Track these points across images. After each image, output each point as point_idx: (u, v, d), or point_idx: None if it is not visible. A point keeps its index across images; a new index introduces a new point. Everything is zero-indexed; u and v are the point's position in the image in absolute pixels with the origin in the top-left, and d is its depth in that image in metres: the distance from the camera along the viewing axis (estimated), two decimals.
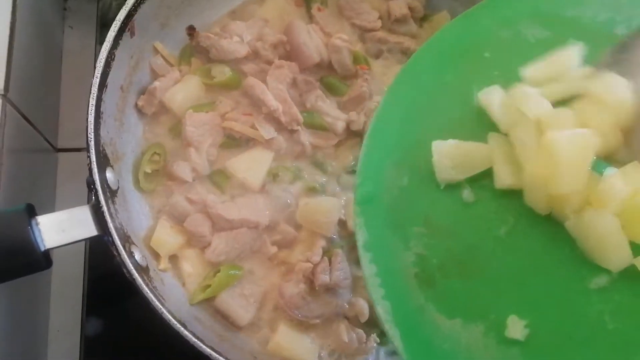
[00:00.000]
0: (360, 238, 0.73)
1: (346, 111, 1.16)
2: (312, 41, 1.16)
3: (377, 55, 1.23)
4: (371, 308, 1.04)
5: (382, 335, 1.06)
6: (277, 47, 1.17)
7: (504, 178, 0.69)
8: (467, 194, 0.72)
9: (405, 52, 1.24)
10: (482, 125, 0.73)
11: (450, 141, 0.72)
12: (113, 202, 0.92)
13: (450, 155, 0.71)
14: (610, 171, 0.65)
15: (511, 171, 0.69)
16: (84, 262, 1.16)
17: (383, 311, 0.69)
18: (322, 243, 1.03)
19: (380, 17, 1.24)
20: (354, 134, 1.15)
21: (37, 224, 0.83)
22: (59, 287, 1.26)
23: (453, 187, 0.72)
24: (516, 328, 0.65)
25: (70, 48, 1.47)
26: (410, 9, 1.25)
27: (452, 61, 0.81)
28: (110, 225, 0.85)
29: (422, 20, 1.28)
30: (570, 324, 0.65)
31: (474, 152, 0.71)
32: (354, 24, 1.24)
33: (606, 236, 0.63)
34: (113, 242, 0.86)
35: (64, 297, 1.26)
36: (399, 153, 0.76)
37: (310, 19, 1.24)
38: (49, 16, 1.39)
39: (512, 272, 0.68)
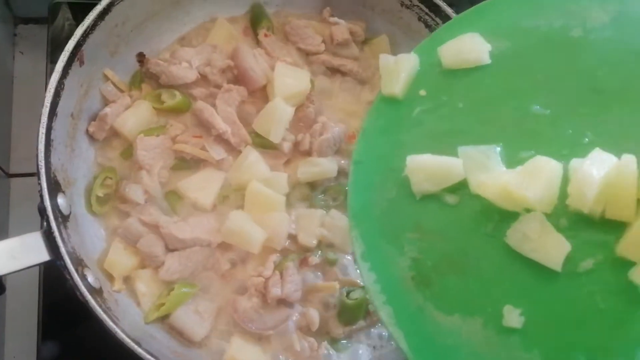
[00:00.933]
0: (357, 249, 0.77)
1: (294, 131, 1.20)
2: (258, 65, 1.20)
3: (323, 75, 1.28)
4: (321, 317, 1.09)
5: (333, 342, 1.11)
6: (225, 72, 1.21)
7: (476, 187, 0.74)
8: (449, 197, 0.76)
9: (348, 74, 1.30)
10: (455, 139, 0.78)
11: (424, 155, 0.76)
12: (65, 226, 0.93)
13: (423, 168, 0.76)
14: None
15: (482, 181, 0.73)
16: (39, 286, 1.15)
17: (386, 315, 0.72)
18: (273, 258, 1.06)
19: (323, 41, 1.30)
20: (300, 153, 1.20)
21: None
22: (13, 313, 1.26)
23: (434, 194, 0.76)
24: (512, 317, 0.68)
25: (21, 73, 1.48)
26: (352, 33, 1.31)
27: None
28: (63, 250, 0.87)
29: (363, 43, 1.34)
30: (563, 307, 0.68)
31: (446, 165, 0.75)
32: (300, 48, 1.29)
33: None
34: (65, 266, 0.88)
35: (19, 323, 1.26)
36: (384, 168, 0.81)
37: (257, 44, 1.29)
38: None
39: (503, 264, 0.71)
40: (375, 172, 0.81)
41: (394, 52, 1.28)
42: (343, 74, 1.30)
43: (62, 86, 0.97)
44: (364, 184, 0.81)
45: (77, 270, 0.90)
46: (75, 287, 0.89)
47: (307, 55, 1.30)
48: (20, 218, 1.35)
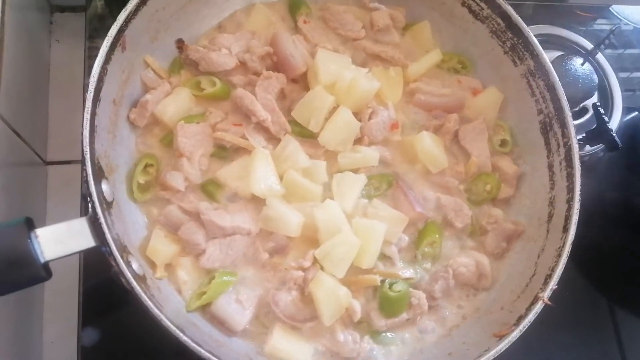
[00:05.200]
0: None
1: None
2: (297, 51, 1.18)
3: (363, 64, 1.26)
4: (363, 309, 1.07)
5: (375, 335, 1.10)
6: (265, 59, 1.19)
7: None
8: None
9: (390, 61, 1.27)
10: None
11: None
12: (109, 213, 0.93)
13: None
14: None
15: None
16: (79, 272, 1.15)
17: None
18: (313, 250, 1.04)
19: (363, 27, 1.27)
20: None
21: (36, 236, 0.84)
22: (53, 298, 1.27)
23: None
24: None
25: (57, 62, 1.48)
26: (392, 19, 1.28)
27: None
28: (108, 236, 0.86)
29: (403, 29, 1.32)
30: None
31: None
32: (339, 34, 1.27)
33: None
34: (111, 253, 0.88)
35: (58, 309, 1.27)
36: None
37: (296, 30, 1.26)
38: (36, 31, 1.40)
39: None
40: None
41: (436, 39, 1.31)
42: (383, 60, 1.27)
43: (105, 72, 0.96)
44: None
45: (122, 257, 0.89)
46: (121, 273, 0.88)
47: (347, 41, 1.28)
48: (58, 205, 1.35)
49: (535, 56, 1.19)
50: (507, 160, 1.24)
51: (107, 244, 0.87)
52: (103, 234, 0.87)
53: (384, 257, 1.11)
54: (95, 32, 1.36)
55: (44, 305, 1.25)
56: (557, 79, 1.17)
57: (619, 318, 1.40)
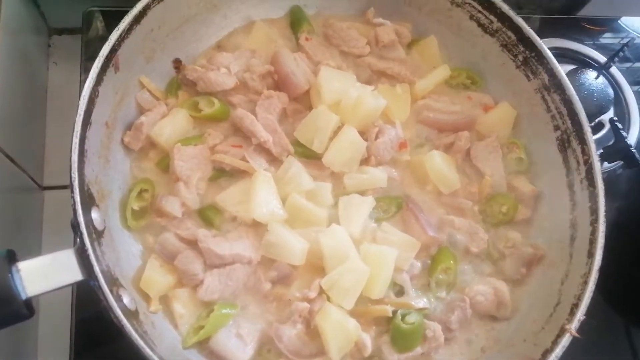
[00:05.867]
0: None
1: None
2: (299, 69, 1.15)
3: (368, 81, 1.21)
4: (374, 343, 1.01)
5: None
6: (265, 78, 1.15)
7: None
8: None
9: (396, 77, 1.23)
10: None
11: None
12: (99, 243, 0.89)
13: None
14: None
15: None
16: (71, 304, 1.11)
17: None
18: (319, 280, 0.99)
19: (368, 43, 1.23)
20: None
21: (17, 270, 0.78)
22: (46, 331, 1.21)
23: None
24: None
25: (55, 85, 1.44)
26: (398, 34, 1.24)
27: None
28: (97, 269, 0.81)
29: (409, 45, 1.28)
30: None
31: None
32: (343, 51, 1.23)
33: None
34: (100, 287, 0.82)
35: (51, 341, 1.21)
36: None
37: (297, 47, 1.23)
38: (33, 54, 1.37)
39: None
40: None
41: (444, 54, 1.27)
42: (389, 77, 1.23)
43: (97, 93, 0.93)
44: None
45: (111, 291, 0.83)
46: (109, 309, 0.82)
47: (350, 58, 1.24)
48: (54, 233, 1.31)
49: (549, 70, 1.15)
50: (523, 179, 1.19)
51: (95, 278, 0.82)
52: (91, 266, 0.82)
53: (395, 285, 1.06)
54: (95, 54, 1.32)
55: (38, 338, 1.21)
56: (573, 92, 1.12)
57: (635, 340, 1.35)
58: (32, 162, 1.26)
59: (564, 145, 1.15)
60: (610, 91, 1.39)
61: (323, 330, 0.96)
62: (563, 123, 1.14)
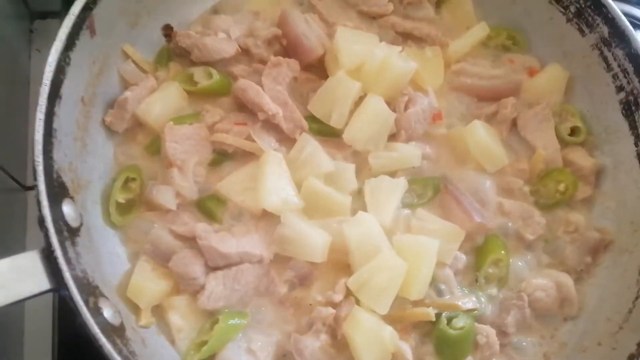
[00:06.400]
0: None
1: None
2: (312, 32, 1.04)
3: (392, 45, 1.07)
4: (415, 353, 0.91)
5: None
6: (272, 43, 1.05)
7: None
8: None
9: (425, 39, 1.10)
10: None
11: None
12: (73, 243, 0.78)
13: None
14: None
15: None
16: (52, 316, 1.03)
17: None
18: (345, 278, 0.90)
19: (390, 1, 1.11)
20: None
21: None
22: (31, 336, 1.10)
23: None
24: None
25: (38, 74, 1.32)
26: None
27: None
28: (67, 275, 0.70)
29: (438, 3, 1.16)
30: None
31: None
32: (361, 11, 1.11)
33: None
34: (72, 298, 0.69)
35: (36, 345, 1.11)
36: None
37: (308, 7, 1.11)
38: (13, 41, 1.28)
39: None
40: None
41: (478, 12, 1.16)
42: (417, 39, 1.11)
43: (68, 60, 0.83)
44: None
45: (87, 302, 0.70)
46: (85, 325, 0.68)
47: (370, 19, 1.13)
48: (39, 235, 1.19)
49: (610, 20, 1.01)
50: (580, 152, 1.08)
51: (65, 286, 0.69)
52: (59, 272, 0.69)
53: (436, 283, 0.96)
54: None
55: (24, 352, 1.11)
56: None
57: None
58: (14, 161, 1.17)
59: (630, 109, 1.02)
60: None
61: (353, 341, 0.87)
62: (628, 83, 1.01)
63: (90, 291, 0.75)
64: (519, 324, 0.95)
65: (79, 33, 0.85)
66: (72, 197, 0.82)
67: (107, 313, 0.76)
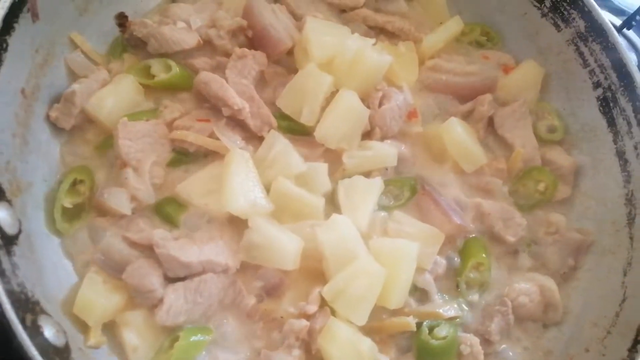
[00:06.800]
0: None
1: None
2: (280, 23, 0.99)
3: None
4: None
5: None
6: (236, 35, 1.00)
7: None
8: None
9: (398, 34, 1.06)
10: None
11: None
12: (9, 252, 0.72)
13: None
14: None
15: None
16: None
17: None
18: (319, 287, 0.85)
19: None
20: None
21: None
22: None
23: None
24: None
25: None
26: None
27: None
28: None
29: None
30: None
31: None
32: (332, 3, 1.07)
33: None
34: (4, 315, 0.60)
35: None
36: None
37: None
38: None
39: None
40: None
41: (451, 7, 1.13)
42: (389, 34, 1.08)
43: (4, 46, 0.76)
44: None
45: (23, 321, 0.62)
46: (20, 347, 0.59)
47: (340, 12, 1.09)
48: None
49: (586, 13, 1.00)
50: (558, 150, 1.05)
51: None
52: None
53: (415, 289, 0.91)
54: None
55: None
56: (618, 39, 0.97)
57: None
58: None
59: (608, 105, 1.00)
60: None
61: (329, 356, 0.81)
62: (606, 78, 1.00)
63: (29, 307, 0.67)
64: (503, 332, 0.92)
65: (19, 15, 0.78)
66: (8, 201, 0.76)
67: (49, 332, 0.69)
